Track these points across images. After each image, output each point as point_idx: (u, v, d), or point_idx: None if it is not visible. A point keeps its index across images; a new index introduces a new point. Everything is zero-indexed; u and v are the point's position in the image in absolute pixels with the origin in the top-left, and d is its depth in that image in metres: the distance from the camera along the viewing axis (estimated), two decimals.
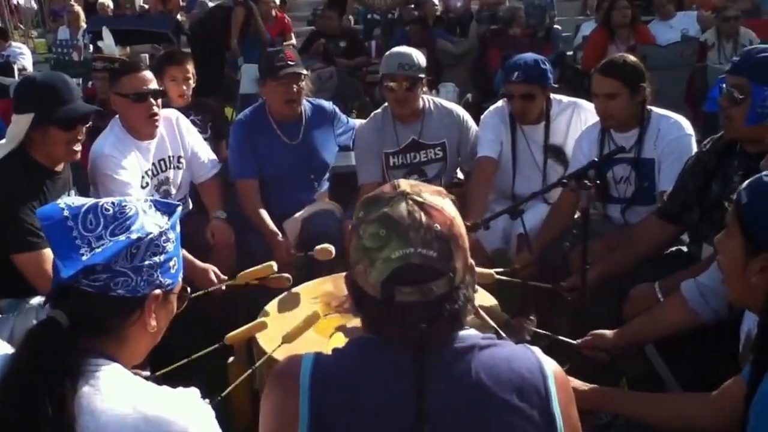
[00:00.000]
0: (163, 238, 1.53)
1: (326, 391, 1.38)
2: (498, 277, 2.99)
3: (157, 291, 1.53)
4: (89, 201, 1.52)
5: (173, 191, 3.88)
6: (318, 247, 3.21)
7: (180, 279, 1.61)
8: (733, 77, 2.74)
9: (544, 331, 2.70)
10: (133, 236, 1.47)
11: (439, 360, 1.37)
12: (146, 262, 1.49)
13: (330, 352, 1.48)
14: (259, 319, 2.78)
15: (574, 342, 2.61)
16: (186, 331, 2.60)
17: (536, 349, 1.48)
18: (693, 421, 2.00)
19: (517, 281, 3.13)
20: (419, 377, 1.33)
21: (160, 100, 3.68)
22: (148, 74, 3.64)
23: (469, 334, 1.44)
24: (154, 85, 3.64)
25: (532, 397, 1.38)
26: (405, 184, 1.45)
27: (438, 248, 1.37)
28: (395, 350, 1.38)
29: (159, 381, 1.50)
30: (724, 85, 2.78)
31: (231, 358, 2.83)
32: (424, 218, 1.38)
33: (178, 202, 1.66)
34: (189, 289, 1.69)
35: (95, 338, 1.47)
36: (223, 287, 3.30)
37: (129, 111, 3.61)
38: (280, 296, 3.04)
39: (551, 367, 1.44)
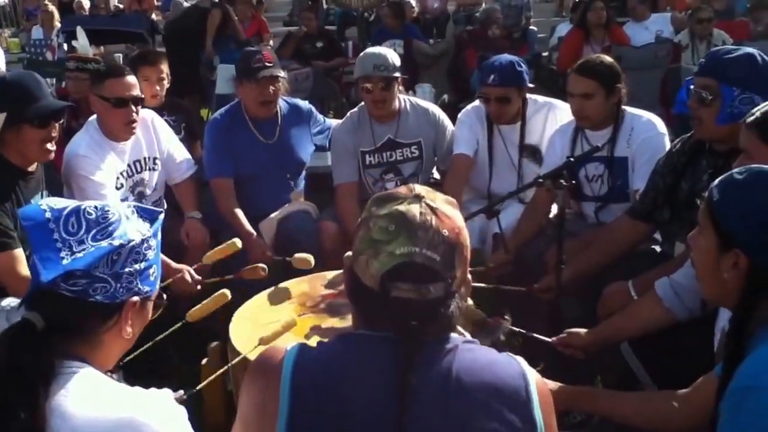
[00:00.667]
0: (145, 245, 1.52)
1: (308, 384, 1.38)
2: (472, 284, 2.99)
3: (135, 298, 1.52)
4: (72, 203, 1.51)
5: (148, 192, 3.85)
6: (297, 256, 3.22)
7: (158, 286, 1.61)
8: (701, 79, 2.76)
9: (518, 329, 2.71)
10: (116, 243, 1.46)
11: (423, 359, 1.38)
12: (126, 269, 1.48)
13: (315, 345, 1.48)
14: (220, 292, 2.78)
15: (549, 340, 2.62)
16: (160, 333, 2.58)
17: (520, 358, 1.49)
18: (666, 418, 2.02)
19: (490, 286, 3.13)
20: (403, 374, 1.34)
21: (139, 107, 3.65)
22: (132, 80, 3.62)
23: (454, 337, 1.46)
24: (136, 91, 3.62)
25: (513, 401, 1.39)
26: (420, 189, 1.48)
27: (442, 252, 1.39)
28: (381, 347, 1.39)
29: (130, 380, 1.48)
30: (692, 87, 2.80)
31: (204, 360, 2.81)
32: (434, 222, 1.40)
33: (161, 210, 1.65)
34: (165, 296, 1.68)
35: (69, 341, 1.46)
36: (199, 288, 3.30)
37: (108, 115, 3.58)
38: (255, 297, 3.02)
39: (533, 376, 1.45)
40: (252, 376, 1.46)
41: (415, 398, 1.34)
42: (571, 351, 2.60)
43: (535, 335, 2.67)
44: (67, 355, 1.43)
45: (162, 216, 1.61)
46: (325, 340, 1.57)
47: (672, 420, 2.00)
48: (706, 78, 2.73)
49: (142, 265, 1.52)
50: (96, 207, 1.51)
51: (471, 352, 1.43)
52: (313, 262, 3.25)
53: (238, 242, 3.05)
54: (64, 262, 1.43)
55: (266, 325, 2.72)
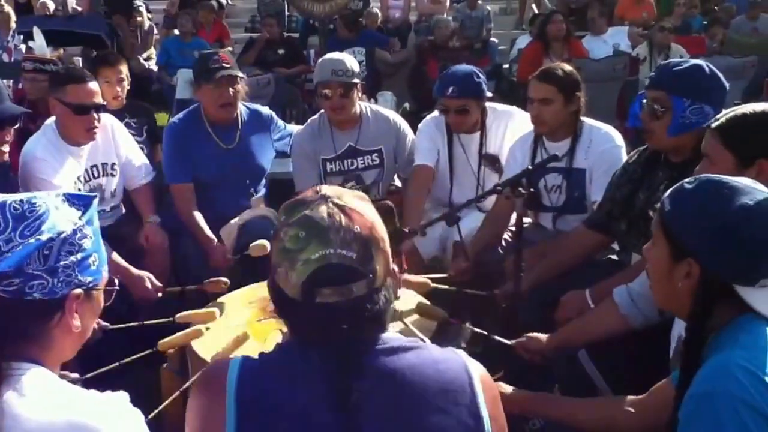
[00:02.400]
0: (78, 235, 1.45)
1: (253, 394, 1.37)
2: (434, 285, 3.01)
3: (78, 290, 1.45)
4: None
5: (107, 197, 3.81)
6: (253, 244, 3.20)
7: (104, 274, 1.54)
8: (652, 92, 2.82)
9: (480, 330, 2.74)
10: (44, 237, 1.39)
11: (362, 360, 1.38)
12: (62, 263, 1.42)
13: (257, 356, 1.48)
14: (194, 327, 2.74)
15: (509, 342, 2.64)
16: (122, 344, 2.56)
17: (461, 352, 1.50)
18: (622, 424, 2.04)
19: (453, 289, 3.15)
20: (342, 378, 1.35)
21: (101, 114, 3.61)
22: (94, 86, 3.57)
23: (392, 336, 1.46)
24: (98, 98, 3.58)
25: (459, 396, 1.40)
26: (326, 189, 1.46)
27: (357, 249, 1.39)
28: (318, 352, 1.39)
29: (88, 385, 1.45)
30: (645, 101, 2.85)
31: (164, 365, 2.78)
32: (344, 220, 1.39)
33: (94, 194, 1.59)
34: (117, 281, 1.62)
35: (15, 342, 1.40)
36: (160, 295, 3.28)
37: (68, 120, 3.54)
38: (216, 301, 3.00)
39: (476, 369, 1.47)
40: (197, 393, 1.46)
41: (360, 403, 1.34)
42: (530, 355, 2.62)
43: (496, 337, 2.69)
44: (15, 357, 1.38)
45: (95, 200, 1.54)
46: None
47: (628, 425, 2.02)
48: (657, 91, 2.79)
49: (79, 255, 1.45)
50: (22, 200, 1.43)
51: (413, 351, 1.43)
52: (269, 247, 3.23)
53: (216, 312, 2.88)
54: None
55: (226, 329, 2.71)
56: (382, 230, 1.45)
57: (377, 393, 1.36)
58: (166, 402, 2.46)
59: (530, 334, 2.64)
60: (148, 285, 3.33)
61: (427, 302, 2.89)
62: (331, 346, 1.38)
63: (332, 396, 1.34)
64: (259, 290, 3.09)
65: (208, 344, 2.56)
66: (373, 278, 1.41)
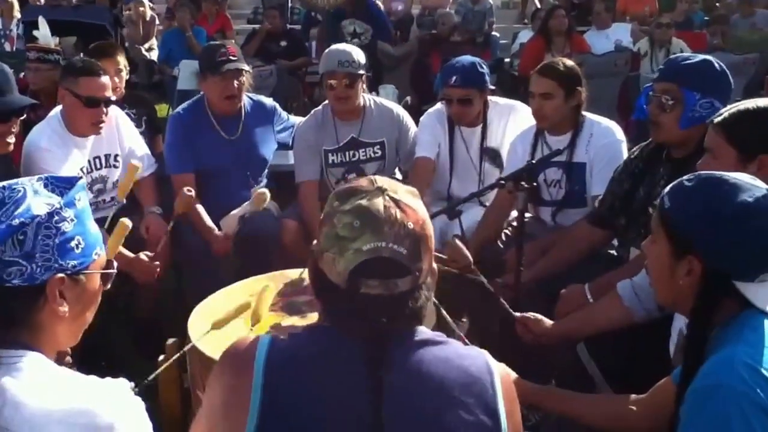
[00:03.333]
0: (56, 218, 1.41)
1: (281, 375, 1.37)
2: (436, 264, 3.00)
3: (60, 275, 1.42)
4: None
5: (108, 188, 3.82)
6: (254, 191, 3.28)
7: (95, 258, 1.51)
8: (661, 84, 2.82)
9: (488, 286, 2.73)
10: (15, 222, 1.37)
11: (394, 353, 1.39)
12: (39, 247, 1.39)
13: (287, 336, 1.47)
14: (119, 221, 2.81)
15: (515, 314, 2.66)
16: (120, 331, 2.56)
17: (485, 352, 1.51)
18: (625, 421, 2.04)
19: (454, 272, 3.15)
20: (375, 369, 1.36)
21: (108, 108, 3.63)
22: (105, 80, 3.59)
23: (422, 329, 1.47)
24: (108, 92, 3.59)
25: (480, 393, 1.41)
26: (382, 181, 1.47)
27: (408, 246, 1.39)
28: (351, 345, 1.39)
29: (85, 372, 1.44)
30: (651, 93, 2.85)
31: (161, 357, 2.79)
32: (399, 215, 1.40)
33: (78, 176, 1.56)
34: (115, 264, 1.59)
35: (5, 329, 1.40)
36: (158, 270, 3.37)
37: (76, 111, 3.54)
38: (215, 293, 3.01)
39: (498, 369, 1.48)
40: (222, 370, 1.45)
41: (388, 394, 1.35)
42: (526, 334, 2.63)
43: (502, 300, 2.70)
44: (7, 344, 1.38)
45: (80, 182, 1.50)
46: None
47: (631, 422, 2.02)
48: (667, 83, 2.79)
49: (58, 239, 1.41)
50: (4, 187, 1.42)
51: (440, 347, 1.44)
52: (268, 195, 3.40)
53: (126, 221, 2.92)
54: None
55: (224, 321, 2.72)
56: (430, 229, 1.46)
57: (405, 387, 1.37)
58: (159, 370, 2.48)
59: (536, 315, 2.64)
60: (143, 257, 3.37)
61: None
62: (366, 337, 1.39)
63: (362, 388, 1.35)
64: (260, 283, 3.10)
65: (208, 339, 2.57)
66: (418, 276, 1.42)
